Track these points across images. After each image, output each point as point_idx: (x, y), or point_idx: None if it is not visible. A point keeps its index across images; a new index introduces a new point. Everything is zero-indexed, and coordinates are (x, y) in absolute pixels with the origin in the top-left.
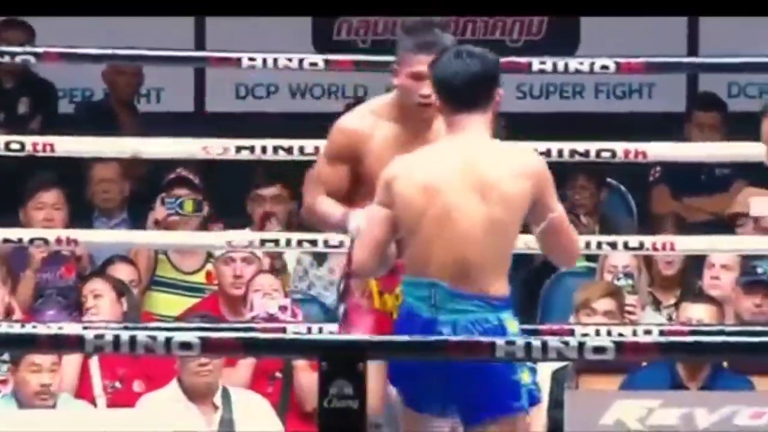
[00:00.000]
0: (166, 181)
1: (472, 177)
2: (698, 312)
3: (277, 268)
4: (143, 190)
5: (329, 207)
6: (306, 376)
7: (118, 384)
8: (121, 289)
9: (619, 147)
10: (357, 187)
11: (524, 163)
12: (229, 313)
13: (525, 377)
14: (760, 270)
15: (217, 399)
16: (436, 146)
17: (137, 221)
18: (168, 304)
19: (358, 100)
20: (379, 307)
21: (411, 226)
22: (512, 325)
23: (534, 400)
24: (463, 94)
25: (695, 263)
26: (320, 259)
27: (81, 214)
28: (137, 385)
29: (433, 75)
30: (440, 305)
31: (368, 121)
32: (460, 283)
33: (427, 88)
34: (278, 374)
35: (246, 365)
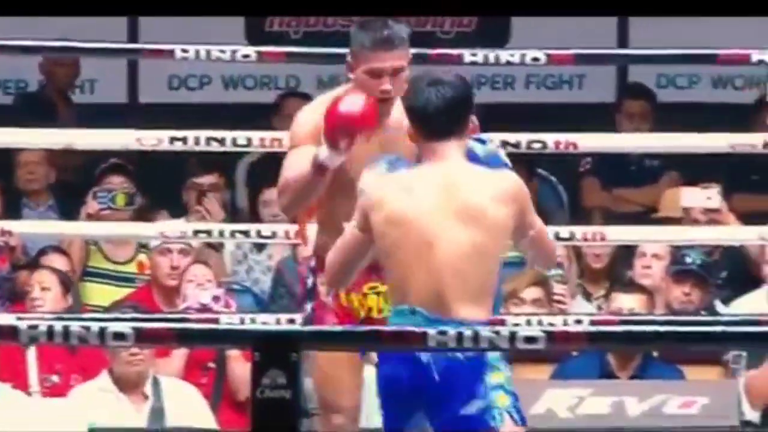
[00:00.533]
0: (101, 169)
1: (454, 204)
2: (628, 302)
3: (215, 246)
4: (78, 180)
5: (299, 166)
6: (239, 366)
7: (55, 378)
8: (67, 282)
9: (550, 138)
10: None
11: (504, 186)
12: (162, 303)
13: (501, 400)
14: (688, 259)
15: (148, 389)
16: (415, 173)
17: (66, 208)
18: (101, 294)
19: (291, 91)
20: (345, 305)
21: (389, 256)
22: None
23: (522, 422)
24: (438, 122)
25: (624, 254)
26: (260, 244)
27: (14, 205)
28: (74, 380)
29: (406, 104)
30: None
31: None
32: (440, 310)
33: (386, 84)
34: (211, 364)
35: (179, 355)
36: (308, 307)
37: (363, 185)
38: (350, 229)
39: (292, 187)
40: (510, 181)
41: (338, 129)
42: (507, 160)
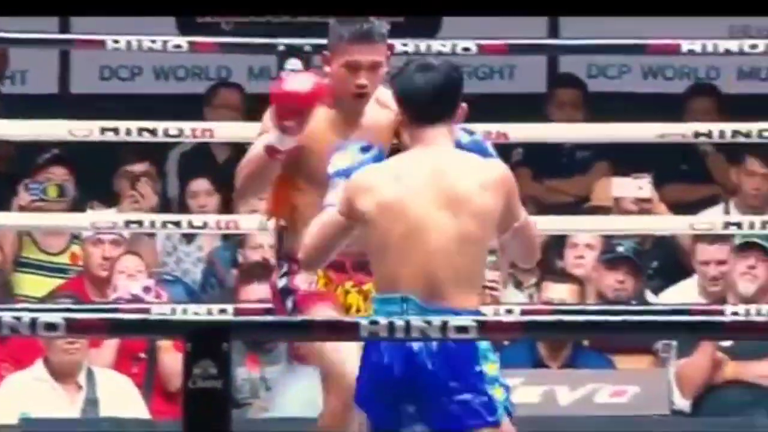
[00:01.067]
0: (43, 160)
1: (442, 191)
2: (559, 292)
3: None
4: (9, 171)
5: (255, 150)
6: (170, 356)
7: None
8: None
9: (481, 128)
10: (297, 172)
11: (492, 174)
12: (94, 294)
13: (498, 394)
14: (621, 249)
15: (82, 379)
16: (403, 159)
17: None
18: (34, 285)
19: (222, 82)
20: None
21: (379, 243)
22: (483, 341)
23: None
24: (428, 108)
25: (555, 244)
26: (189, 236)
27: None
28: (5, 369)
29: (396, 89)
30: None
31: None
32: (432, 297)
33: (363, 78)
34: (142, 355)
35: (110, 346)
36: (289, 304)
37: (333, 168)
38: (331, 214)
39: (244, 170)
40: (498, 169)
41: (284, 108)
42: (493, 151)
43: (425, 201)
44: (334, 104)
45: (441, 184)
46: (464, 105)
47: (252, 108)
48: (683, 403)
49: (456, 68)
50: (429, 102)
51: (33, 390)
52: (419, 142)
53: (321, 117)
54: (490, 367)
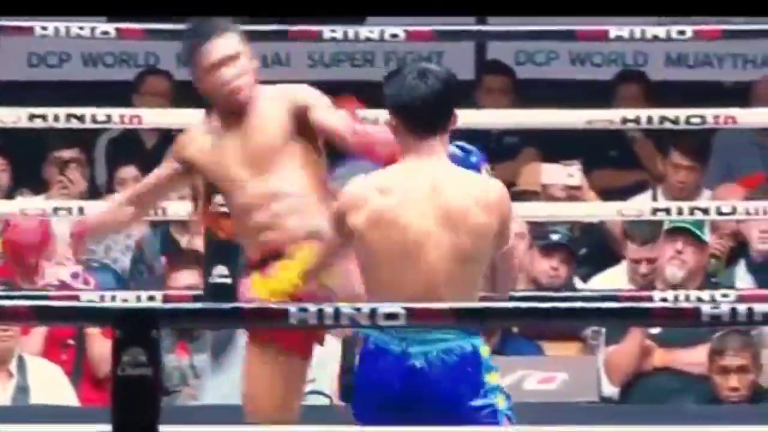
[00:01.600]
0: None
1: (439, 206)
2: None
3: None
4: None
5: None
6: (99, 343)
7: None
8: None
9: None
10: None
11: (489, 193)
12: (22, 281)
13: (500, 402)
14: (555, 236)
15: (13, 367)
16: (396, 171)
17: None
18: None
19: (150, 68)
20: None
21: (373, 258)
22: (485, 350)
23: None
24: (425, 118)
25: None
26: None
27: None
28: None
29: (391, 97)
30: (409, 337)
31: (195, 131)
32: None
33: (226, 73)
34: (71, 341)
35: (39, 333)
36: None
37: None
38: (329, 239)
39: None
40: (495, 189)
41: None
42: (487, 171)
43: (422, 215)
44: (219, 117)
45: (438, 199)
46: (456, 113)
47: (180, 94)
48: (612, 390)
49: (452, 75)
50: (427, 112)
51: None
52: (415, 153)
53: (208, 135)
54: (493, 377)
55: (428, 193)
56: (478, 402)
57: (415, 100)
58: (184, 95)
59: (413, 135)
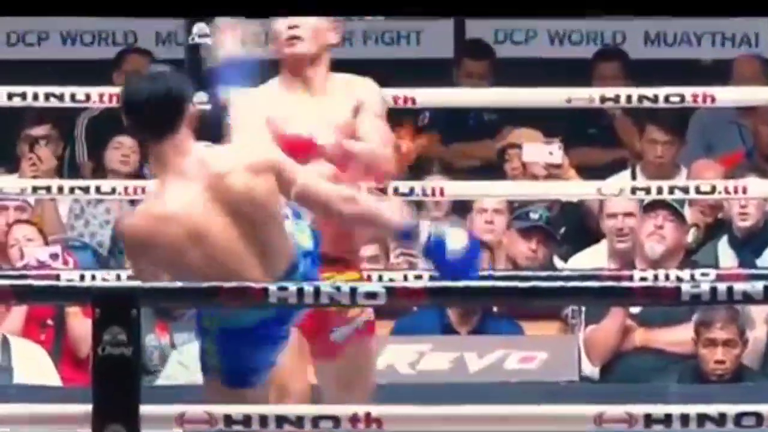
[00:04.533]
0: None
1: (211, 191)
2: None
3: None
4: None
5: None
6: (78, 322)
7: None
8: None
9: (389, 93)
10: None
11: (242, 159)
12: (1, 260)
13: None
14: (534, 215)
15: None
16: (162, 184)
17: None
18: None
19: (129, 47)
20: None
21: (173, 266)
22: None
23: None
24: (152, 121)
25: (457, 209)
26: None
27: None
28: None
29: (122, 101)
30: None
31: None
32: None
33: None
34: (50, 321)
35: (19, 312)
36: None
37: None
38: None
39: None
40: (251, 149)
41: None
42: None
43: (198, 207)
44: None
45: (210, 184)
46: (192, 106)
47: None
48: (592, 370)
49: (181, 79)
50: (152, 114)
51: None
52: (156, 158)
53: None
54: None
55: (200, 186)
56: None
57: (141, 103)
58: None
59: (148, 139)
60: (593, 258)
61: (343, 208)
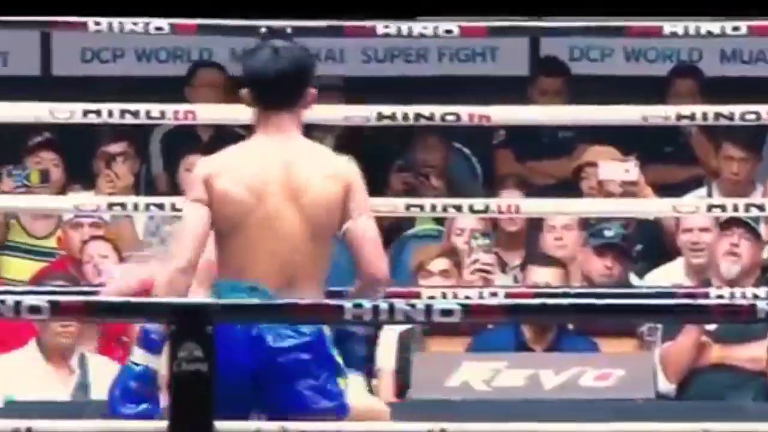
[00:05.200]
0: (33, 143)
1: (289, 180)
2: (544, 275)
3: None
4: None
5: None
6: None
7: None
8: None
9: (464, 111)
10: None
11: (336, 166)
12: (78, 277)
13: (343, 384)
14: (608, 233)
15: (74, 363)
16: (252, 145)
17: None
18: (19, 268)
19: (202, 62)
20: None
21: (234, 226)
22: (327, 329)
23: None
24: (272, 92)
25: (533, 228)
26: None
27: None
28: None
29: (244, 68)
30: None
31: None
32: (282, 289)
33: None
34: (125, 338)
35: (95, 329)
36: None
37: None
38: (190, 205)
39: None
40: (343, 162)
41: None
42: None
43: (276, 189)
44: None
45: (288, 172)
46: (313, 91)
47: (234, 89)
48: (668, 387)
49: (307, 53)
50: (274, 86)
51: (24, 371)
52: (267, 126)
53: None
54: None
55: (282, 168)
56: (324, 378)
57: (263, 74)
58: (238, 89)
59: (264, 108)
60: (669, 275)
61: (375, 272)
